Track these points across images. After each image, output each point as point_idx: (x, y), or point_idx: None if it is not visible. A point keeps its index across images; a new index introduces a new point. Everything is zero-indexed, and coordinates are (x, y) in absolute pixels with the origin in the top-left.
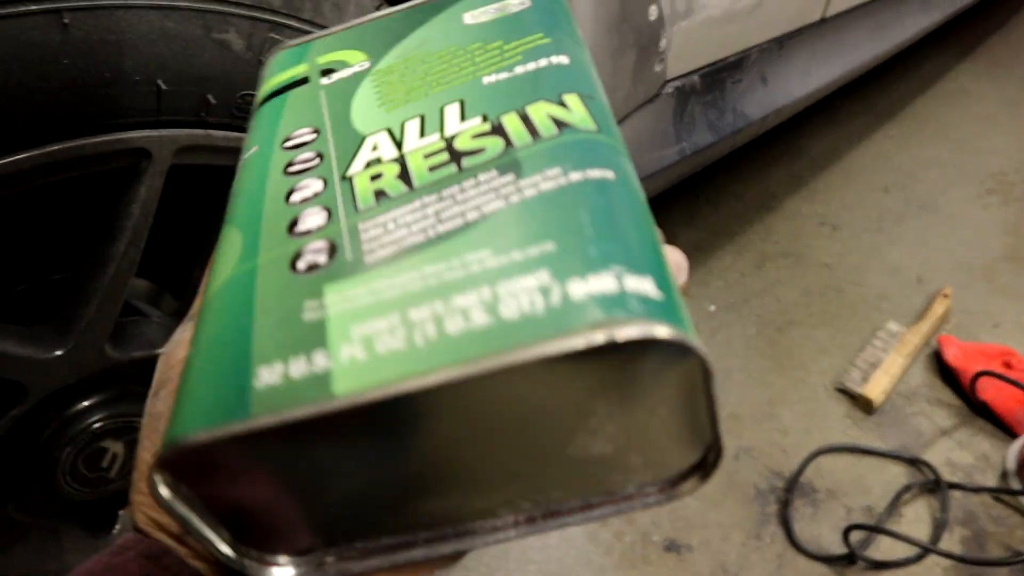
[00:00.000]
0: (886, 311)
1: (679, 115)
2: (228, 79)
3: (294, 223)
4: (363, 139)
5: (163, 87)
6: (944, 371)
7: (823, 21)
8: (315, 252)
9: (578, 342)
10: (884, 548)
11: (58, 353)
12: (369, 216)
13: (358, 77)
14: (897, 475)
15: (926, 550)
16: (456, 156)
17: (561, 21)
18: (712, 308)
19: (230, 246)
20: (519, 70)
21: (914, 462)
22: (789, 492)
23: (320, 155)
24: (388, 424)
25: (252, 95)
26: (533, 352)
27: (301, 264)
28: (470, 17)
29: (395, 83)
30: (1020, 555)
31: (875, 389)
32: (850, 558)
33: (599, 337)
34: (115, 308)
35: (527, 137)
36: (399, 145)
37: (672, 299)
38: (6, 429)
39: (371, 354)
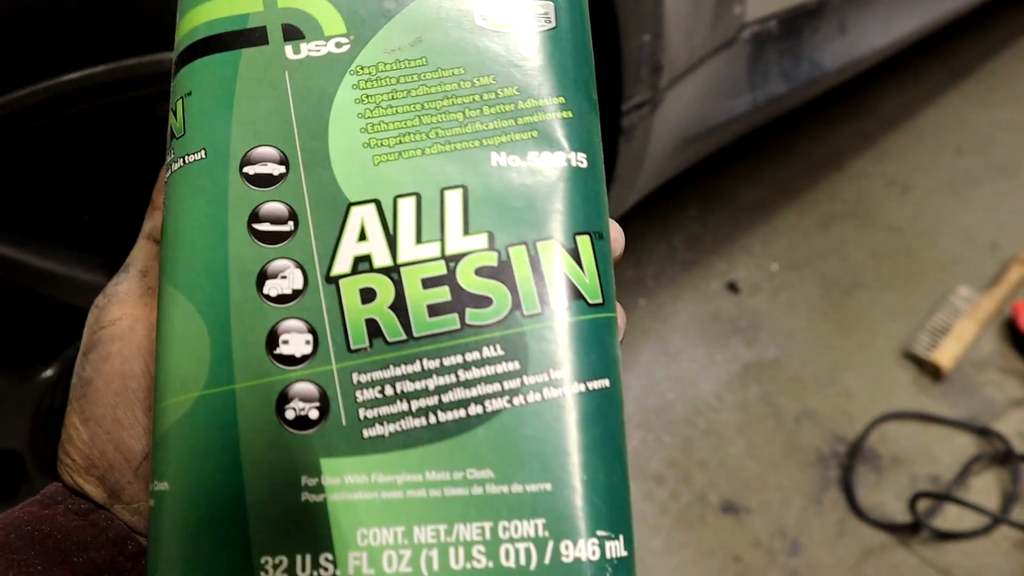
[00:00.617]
0: (958, 276)
1: (754, 62)
2: None
3: (273, 339)
4: (348, 208)
5: None
6: (1017, 339)
7: None
8: (305, 401)
9: None
10: (950, 519)
11: None
12: (364, 367)
13: (336, 67)
14: (965, 445)
15: (997, 520)
16: (459, 299)
17: (583, 60)
18: (775, 268)
19: (187, 329)
20: (533, 159)
21: (984, 432)
22: (852, 457)
23: (294, 215)
24: None
25: None
26: None
27: (289, 413)
28: (483, 13)
29: (384, 107)
30: None
31: (945, 356)
32: (914, 527)
33: None
34: None
35: (535, 302)
36: (392, 244)
37: (632, 551)
38: (73, 358)
39: (379, 572)
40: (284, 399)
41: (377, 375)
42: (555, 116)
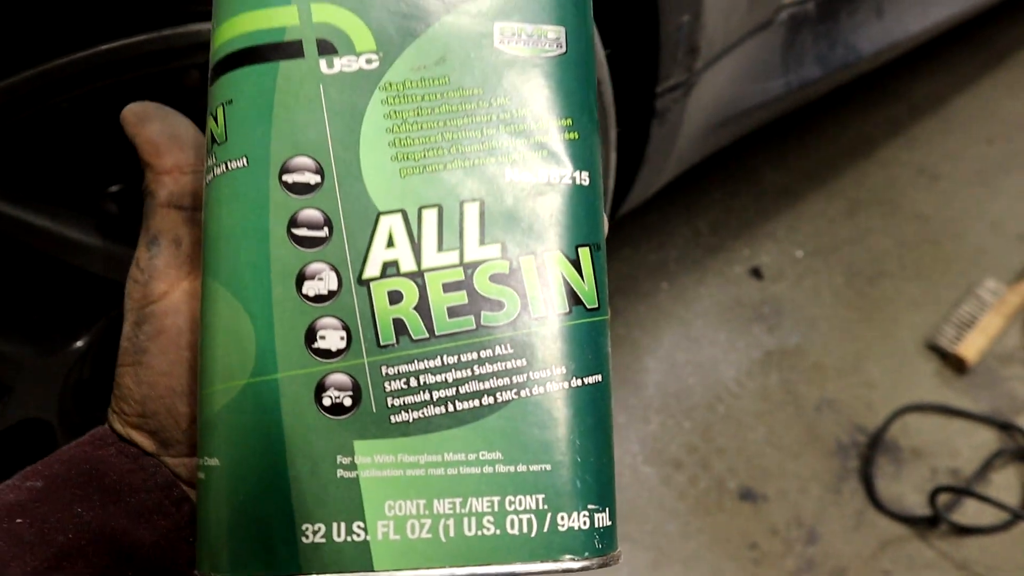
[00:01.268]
0: (985, 268)
1: (789, 45)
2: None
3: (312, 334)
4: (377, 217)
5: None
6: None
7: None
8: (340, 390)
9: (557, 567)
10: (969, 513)
11: None
12: (392, 361)
13: (366, 82)
14: (988, 439)
15: (1017, 516)
16: (475, 303)
17: (588, 84)
18: (799, 254)
19: (233, 323)
20: (542, 174)
21: (1007, 427)
22: (872, 448)
23: (328, 222)
24: None
25: None
26: (526, 568)
27: (326, 400)
28: (501, 37)
29: (410, 122)
30: None
31: (970, 348)
32: (933, 520)
33: (574, 566)
34: None
35: (540, 306)
36: (416, 251)
37: (615, 521)
38: (103, 330)
39: (403, 538)
40: (321, 388)
41: (403, 368)
42: (562, 137)
